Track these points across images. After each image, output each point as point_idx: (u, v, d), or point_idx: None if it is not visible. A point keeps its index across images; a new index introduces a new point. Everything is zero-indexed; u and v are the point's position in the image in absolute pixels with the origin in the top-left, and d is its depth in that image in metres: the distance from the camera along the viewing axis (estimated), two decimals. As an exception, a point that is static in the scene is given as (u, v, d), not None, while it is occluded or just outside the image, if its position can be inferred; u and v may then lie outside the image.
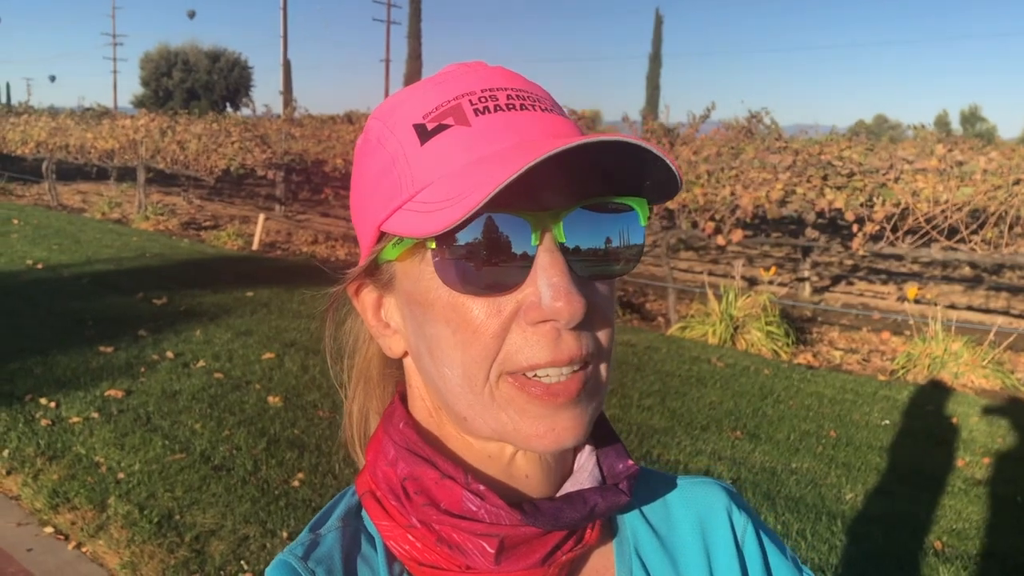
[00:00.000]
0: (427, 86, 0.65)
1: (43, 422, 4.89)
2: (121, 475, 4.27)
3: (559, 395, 0.60)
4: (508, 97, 0.63)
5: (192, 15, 70.68)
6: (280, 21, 38.10)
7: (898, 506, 4.46)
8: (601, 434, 0.73)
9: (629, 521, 0.76)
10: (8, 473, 4.35)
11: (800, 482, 4.66)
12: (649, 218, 0.63)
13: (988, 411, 6.12)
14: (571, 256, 0.60)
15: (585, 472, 0.70)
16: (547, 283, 0.58)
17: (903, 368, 7.18)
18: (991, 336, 7.23)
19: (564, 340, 0.59)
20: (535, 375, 0.60)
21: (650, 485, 0.79)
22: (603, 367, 0.65)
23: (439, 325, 0.62)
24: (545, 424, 0.61)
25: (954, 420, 5.90)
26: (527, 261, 0.59)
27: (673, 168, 0.58)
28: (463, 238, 0.58)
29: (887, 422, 5.83)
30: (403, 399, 0.73)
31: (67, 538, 3.77)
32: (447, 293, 0.60)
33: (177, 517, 3.88)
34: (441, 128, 0.61)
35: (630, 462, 0.72)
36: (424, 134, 0.62)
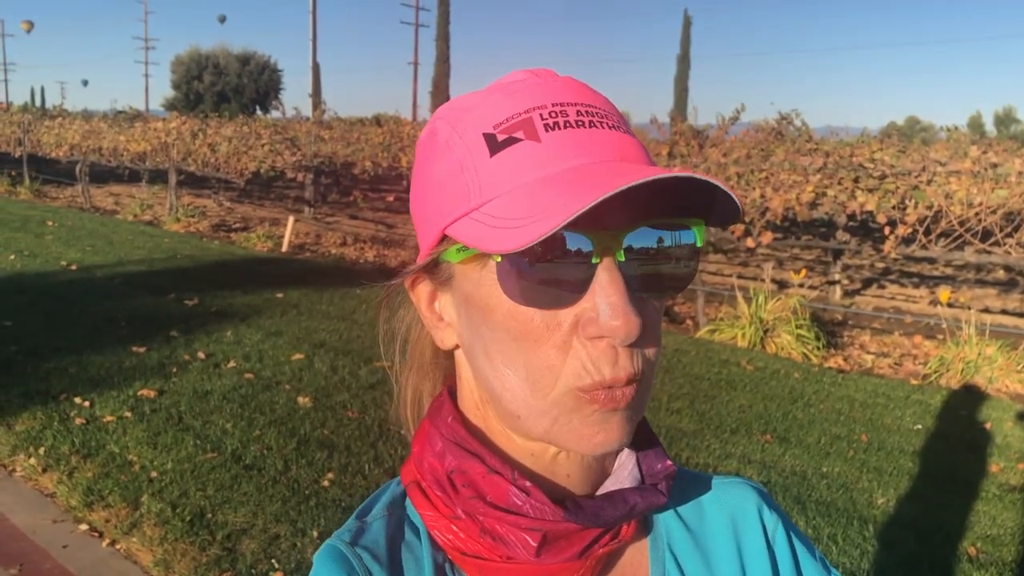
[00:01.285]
0: (497, 95, 0.66)
1: (77, 421, 4.96)
2: (154, 474, 4.32)
3: (618, 402, 0.62)
4: (578, 113, 0.64)
5: (223, 20, 71.39)
6: (310, 24, 38.42)
7: (931, 511, 4.41)
8: (641, 435, 0.75)
9: (663, 518, 0.78)
10: (44, 471, 4.41)
11: (831, 486, 4.62)
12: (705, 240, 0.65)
13: (1023, 416, 6.04)
14: (628, 274, 0.61)
15: (625, 471, 0.72)
16: (606, 301, 0.60)
17: (936, 372, 7.10)
18: (1026, 340, 7.13)
19: (621, 358, 0.62)
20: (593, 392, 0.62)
21: (683, 484, 0.80)
22: (649, 386, 0.67)
23: (499, 330, 0.64)
24: (596, 428, 0.63)
25: (988, 425, 5.82)
26: (587, 278, 0.61)
27: (735, 199, 0.60)
28: (528, 253, 0.59)
29: (919, 426, 5.77)
30: (451, 392, 0.75)
31: (101, 535, 3.82)
32: (508, 301, 0.62)
33: (209, 516, 3.91)
34: (511, 141, 0.62)
35: (668, 463, 0.73)
36: (494, 145, 0.63)
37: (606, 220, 0.60)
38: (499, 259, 0.61)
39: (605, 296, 0.60)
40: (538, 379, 0.63)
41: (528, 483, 0.66)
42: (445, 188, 0.65)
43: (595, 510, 0.66)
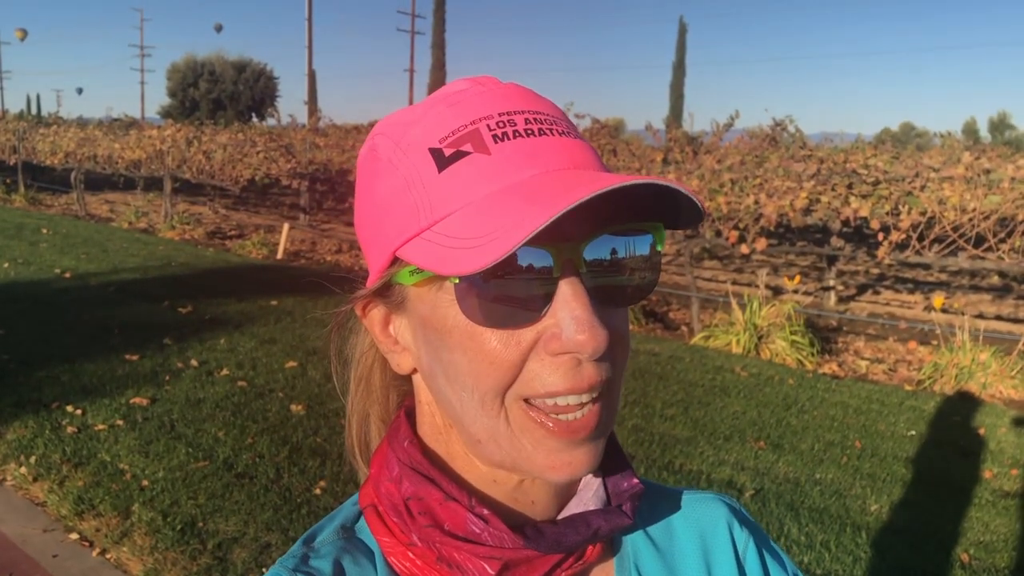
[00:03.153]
0: (439, 107, 0.64)
1: (69, 429, 4.94)
2: (145, 482, 4.30)
3: (578, 431, 0.60)
4: (526, 121, 0.62)
5: (219, 29, 71.33)
6: (306, 32, 38.44)
7: (924, 518, 4.40)
8: (608, 452, 0.72)
9: (631, 537, 0.75)
10: (34, 480, 4.39)
11: (824, 493, 4.62)
12: (665, 242, 0.63)
13: (1017, 422, 6.04)
14: (591, 285, 0.59)
15: (590, 491, 0.70)
16: (570, 316, 0.58)
17: (930, 378, 7.11)
18: (1020, 346, 7.14)
19: (584, 368, 0.60)
20: (554, 403, 0.60)
21: (652, 500, 0.78)
22: (617, 394, 0.65)
23: (456, 352, 0.61)
24: (561, 458, 0.61)
25: (981, 431, 5.82)
26: (549, 293, 0.59)
27: (697, 202, 0.59)
28: (486, 272, 0.57)
29: (913, 433, 5.76)
30: (408, 415, 0.73)
31: (91, 544, 3.80)
32: (466, 322, 0.60)
33: (200, 524, 3.90)
34: (460, 155, 0.60)
35: (635, 481, 0.71)
36: (441, 160, 0.61)
37: (565, 232, 0.58)
38: (456, 280, 0.59)
39: (569, 310, 0.58)
40: (491, 399, 0.61)
41: (486, 511, 0.64)
42: (392, 208, 0.63)
43: (556, 536, 0.64)
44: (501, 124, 0.61)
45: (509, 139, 0.61)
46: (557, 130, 0.63)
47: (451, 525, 0.64)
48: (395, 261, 0.64)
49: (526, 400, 0.61)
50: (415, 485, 0.66)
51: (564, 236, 0.58)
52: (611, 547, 0.74)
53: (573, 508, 0.69)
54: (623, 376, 0.65)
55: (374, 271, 0.67)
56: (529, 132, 0.61)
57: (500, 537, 0.63)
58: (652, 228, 0.63)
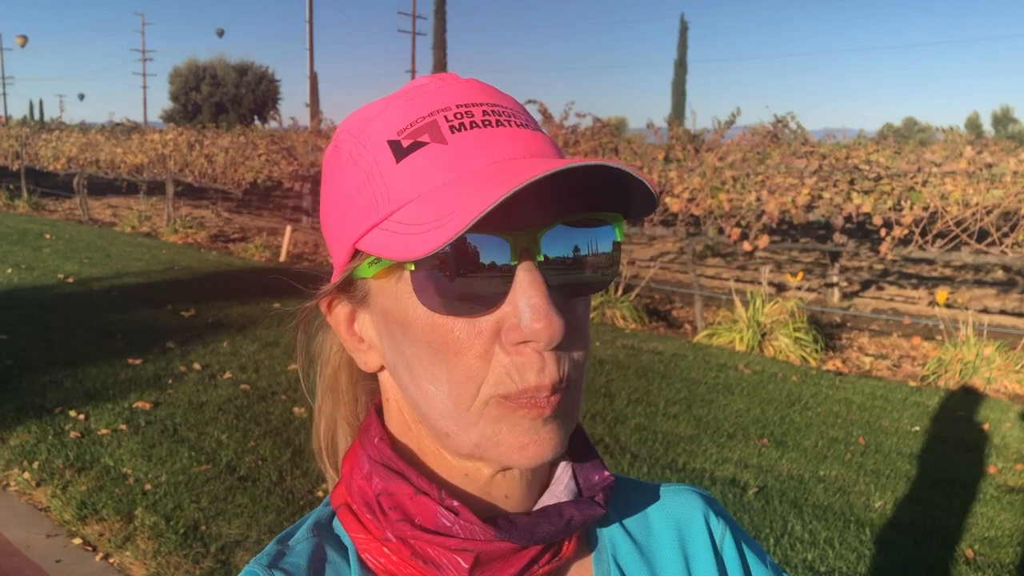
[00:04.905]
0: (399, 101, 0.64)
1: (72, 434, 4.95)
2: (148, 486, 4.30)
3: (544, 408, 0.60)
4: (484, 113, 0.62)
5: (221, 34, 71.31)
6: (307, 34, 38.44)
7: (928, 514, 4.39)
8: (578, 446, 0.72)
9: (608, 531, 0.75)
10: (38, 485, 4.40)
11: (828, 490, 4.60)
12: (625, 233, 0.63)
13: (1021, 417, 6.02)
14: (549, 274, 0.59)
15: (561, 485, 0.70)
16: (527, 303, 0.58)
17: (934, 374, 7.09)
18: (1024, 340, 7.12)
19: (547, 364, 0.60)
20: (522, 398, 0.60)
21: (627, 494, 0.78)
22: (579, 391, 0.65)
23: (419, 344, 0.62)
24: (528, 437, 0.61)
25: (986, 426, 5.80)
26: (506, 280, 0.59)
27: (649, 187, 0.58)
28: (442, 259, 0.57)
29: (917, 428, 5.75)
30: (379, 412, 0.73)
31: (95, 549, 3.81)
32: (426, 313, 0.60)
33: (203, 528, 3.90)
34: (417, 145, 0.61)
35: (606, 473, 0.71)
36: (399, 151, 0.61)
37: (522, 219, 0.58)
38: (412, 268, 0.59)
39: (526, 298, 0.58)
40: (460, 391, 0.61)
41: (456, 503, 0.64)
42: (354, 201, 0.63)
43: (529, 526, 0.64)
44: (459, 115, 0.62)
45: (466, 129, 0.61)
46: (515, 122, 0.63)
47: (422, 519, 0.64)
48: (356, 254, 0.64)
49: (503, 397, 0.60)
50: (385, 480, 0.66)
51: (521, 224, 0.59)
52: (588, 542, 0.74)
53: (546, 501, 0.69)
54: (585, 368, 0.65)
55: (337, 266, 0.67)
56: (487, 123, 0.62)
57: (471, 529, 0.63)
58: (611, 218, 0.63)
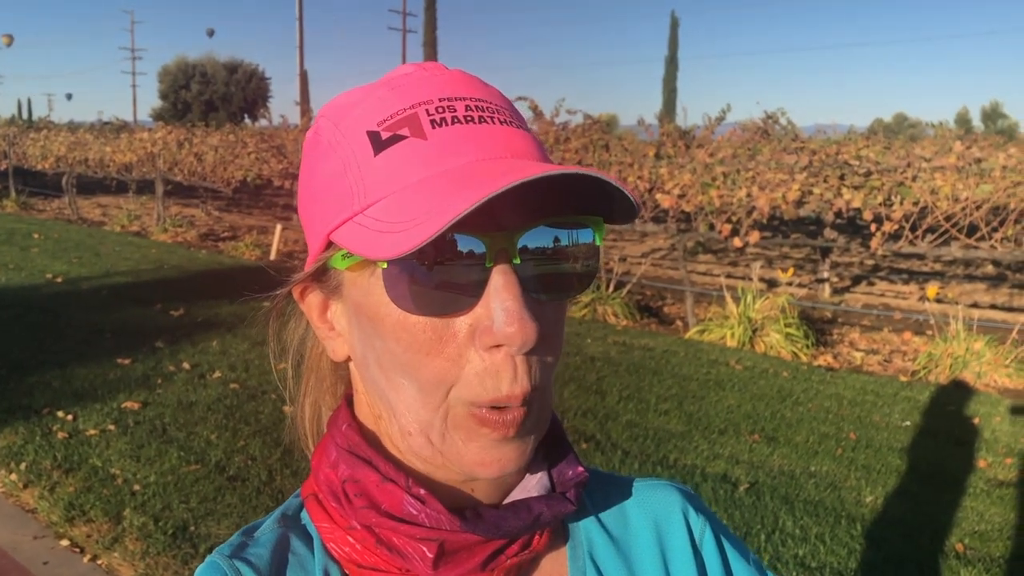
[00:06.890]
0: (381, 90, 0.63)
1: (60, 435, 4.92)
2: (137, 487, 4.28)
3: (510, 427, 0.60)
4: (467, 108, 0.61)
5: (211, 33, 71.05)
6: (296, 32, 38.37)
7: (919, 508, 4.39)
8: (553, 441, 0.71)
9: (584, 526, 0.74)
10: (25, 487, 4.37)
11: (819, 485, 4.60)
12: (609, 233, 0.62)
13: (1011, 411, 6.03)
14: (524, 277, 0.58)
15: (534, 479, 0.69)
16: (500, 307, 0.57)
17: (924, 368, 7.10)
18: (1014, 334, 7.13)
19: (519, 371, 0.59)
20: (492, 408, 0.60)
21: (605, 489, 0.78)
22: (549, 395, 0.64)
23: (389, 341, 0.60)
24: (491, 454, 0.61)
25: (976, 420, 5.82)
26: (481, 282, 0.58)
27: (630, 197, 0.58)
28: (417, 258, 0.56)
29: (908, 423, 5.76)
30: (349, 402, 0.72)
31: (83, 551, 3.78)
32: (397, 311, 0.59)
33: (192, 528, 3.88)
34: (396, 139, 0.59)
35: (580, 469, 0.70)
36: (378, 143, 0.60)
37: (499, 221, 0.57)
38: (384, 265, 0.57)
39: (500, 301, 0.57)
40: (429, 393, 0.60)
41: (423, 491, 0.63)
42: (330, 191, 0.62)
43: (496, 520, 0.63)
44: (440, 110, 0.60)
45: (447, 124, 0.60)
46: (499, 119, 0.62)
47: (388, 506, 0.63)
48: (330, 245, 0.63)
49: (473, 405, 0.59)
50: (351, 467, 0.65)
51: (499, 225, 0.57)
52: (563, 536, 0.73)
53: (517, 495, 0.68)
54: (553, 375, 0.64)
55: (312, 254, 0.66)
56: (469, 119, 0.61)
57: (437, 518, 0.62)
58: (591, 222, 0.62)
